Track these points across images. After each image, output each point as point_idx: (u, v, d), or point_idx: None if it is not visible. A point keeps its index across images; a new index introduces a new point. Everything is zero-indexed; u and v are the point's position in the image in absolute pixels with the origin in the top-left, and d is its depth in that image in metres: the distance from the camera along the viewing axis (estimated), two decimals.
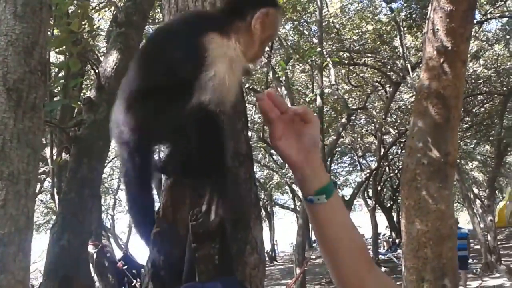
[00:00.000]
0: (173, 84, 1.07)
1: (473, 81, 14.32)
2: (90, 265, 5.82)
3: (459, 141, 13.52)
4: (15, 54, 1.68)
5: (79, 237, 3.20)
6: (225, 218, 1.11)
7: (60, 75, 6.83)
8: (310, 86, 15.72)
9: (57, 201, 5.62)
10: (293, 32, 13.94)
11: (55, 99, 4.90)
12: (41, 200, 16.64)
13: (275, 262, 23.12)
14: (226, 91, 1.07)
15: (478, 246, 14.73)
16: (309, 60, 11.33)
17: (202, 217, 1.07)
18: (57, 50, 3.49)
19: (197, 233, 1.06)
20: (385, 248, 19.72)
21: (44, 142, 4.73)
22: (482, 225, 14.17)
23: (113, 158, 13.63)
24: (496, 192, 23.89)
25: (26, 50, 1.71)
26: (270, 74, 11.36)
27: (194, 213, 1.08)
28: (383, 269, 14.86)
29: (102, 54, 8.16)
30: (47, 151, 5.11)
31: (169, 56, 1.10)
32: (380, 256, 17.01)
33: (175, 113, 1.05)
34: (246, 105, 1.59)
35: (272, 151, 20.12)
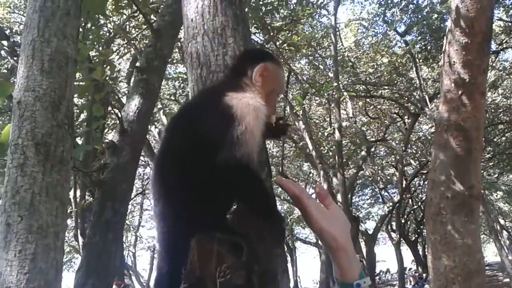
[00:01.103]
0: (204, 142, 1.11)
1: (492, 110, 14.17)
2: None
3: (482, 172, 13.28)
4: (43, 109, 1.74)
5: (103, 281, 3.20)
6: (252, 272, 1.10)
7: (82, 116, 7.00)
8: (328, 119, 15.74)
9: (80, 242, 5.66)
10: (309, 67, 14.07)
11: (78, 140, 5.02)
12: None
13: None
14: (255, 142, 1.12)
15: (508, 280, 14.18)
16: (325, 94, 11.39)
17: (229, 273, 1.07)
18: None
19: None
20: (412, 283, 19.12)
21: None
22: (510, 257, 13.69)
23: (135, 196, 13.73)
24: None
25: (53, 104, 1.77)
26: (288, 108, 11.44)
27: (221, 269, 1.08)
28: None
29: (123, 94, 8.35)
30: (71, 193, 5.19)
31: (197, 122, 1.16)
32: None
33: (204, 166, 1.09)
34: None
35: None
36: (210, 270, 1.14)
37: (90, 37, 4.64)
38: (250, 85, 1.24)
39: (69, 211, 5.66)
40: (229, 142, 1.08)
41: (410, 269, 23.73)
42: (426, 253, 4.09)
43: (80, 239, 5.59)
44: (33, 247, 1.50)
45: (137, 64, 5.16)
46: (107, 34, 6.33)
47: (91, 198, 4.68)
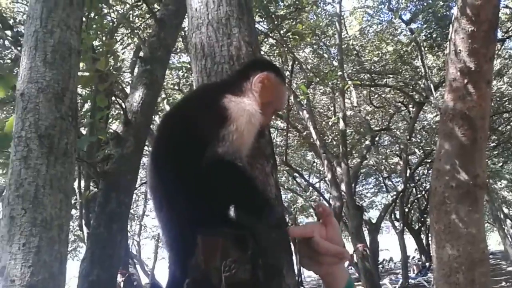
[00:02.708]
0: (196, 141, 1.12)
1: (498, 99, 14.09)
2: None
3: (486, 160, 13.21)
4: (46, 101, 1.72)
5: (108, 272, 3.21)
6: (257, 267, 1.10)
7: (86, 106, 6.99)
8: (332, 108, 15.70)
9: (85, 232, 5.69)
10: (313, 55, 13.99)
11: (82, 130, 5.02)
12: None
13: None
14: (244, 142, 1.14)
15: (511, 268, 14.22)
16: (329, 83, 11.34)
17: (234, 268, 1.06)
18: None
19: (231, 284, 1.06)
20: (415, 271, 19.20)
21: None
22: None
23: (139, 186, 13.77)
24: None
25: (56, 96, 1.75)
26: (292, 98, 11.40)
27: (226, 264, 1.07)
28: None
29: (127, 84, 8.33)
30: (75, 183, 5.19)
31: (193, 120, 1.17)
32: (410, 280, 16.54)
33: (198, 167, 1.08)
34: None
35: (296, 174, 20.07)
36: (215, 264, 1.13)
37: (94, 26, 4.62)
38: (249, 91, 1.24)
39: (73, 201, 5.68)
40: (216, 139, 1.10)
41: (413, 257, 23.82)
42: (430, 242, 4.10)
43: (85, 229, 5.61)
44: (37, 240, 1.50)
45: (141, 54, 5.14)
46: (111, 23, 6.29)
47: (96, 189, 4.69)
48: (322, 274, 1.14)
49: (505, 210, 19.69)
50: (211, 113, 1.15)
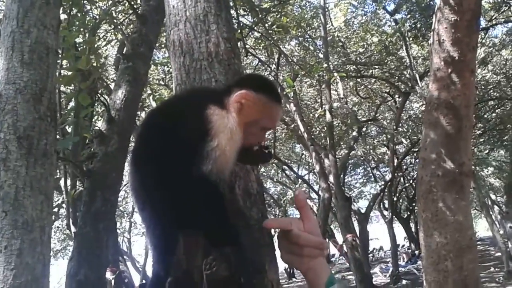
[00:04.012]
0: (178, 149, 1.13)
1: (482, 87, 14.22)
2: None
3: (472, 148, 13.36)
4: (24, 102, 1.70)
5: (96, 271, 3.20)
6: (239, 263, 1.10)
7: (70, 104, 6.92)
8: (319, 100, 15.73)
9: (73, 231, 5.66)
10: (299, 48, 13.98)
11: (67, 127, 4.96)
12: (57, 227, 16.68)
13: (294, 279, 22.82)
14: (226, 161, 1.13)
15: (499, 254, 14.42)
16: (316, 75, 11.35)
17: (216, 265, 1.07)
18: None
19: (212, 281, 1.06)
20: (405, 260, 19.42)
21: (58, 174, 4.77)
22: (501, 232, 13.89)
23: (128, 182, 13.69)
24: None
25: (35, 97, 1.74)
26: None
27: (207, 261, 1.08)
28: (404, 282, 14.62)
29: (111, 81, 8.26)
30: (61, 182, 5.15)
31: (175, 125, 1.16)
32: (400, 268, 16.71)
33: (178, 177, 1.11)
34: None
35: (285, 167, 20.12)
36: (197, 263, 1.14)
37: (76, 24, 4.55)
38: (229, 107, 1.20)
39: (60, 200, 5.64)
40: (199, 154, 1.10)
41: (403, 246, 24.04)
42: (418, 230, 4.13)
43: (73, 228, 5.58)
44: (19, 243, 1.49)
45: (124, 50, 5.09)
46: (94, 20, 6.21)
47: (82, 187, 4.66)
48: (304, 269, 1.14)
49: (493, 197, 19.90)
50: (194, 122, 1.15)
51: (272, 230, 1.46)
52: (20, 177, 1.57)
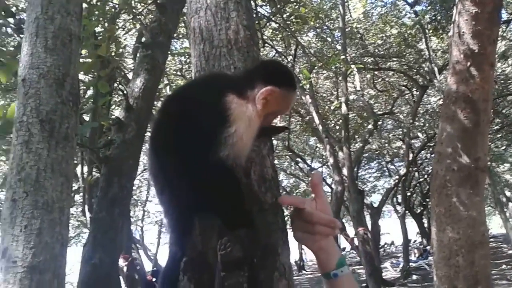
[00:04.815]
0: (196, 135, 1.15)
1: (502, 81, 13.98)
2: (121, 278, 5.92)
3: (489, 143, 13.19)
4: (47, 86, 1.74)
5: (110, 255, 3.26)
6: (253, 245, 1.13)
7: (88, 92, 7.00)
8: (335, 93, 15.65)
9: (88, 217, 5.76)
10: (316, 39, 13.90)
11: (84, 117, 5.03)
12: (72, 214, 16.92)
13: (304, 272, 22.89)
14: (243, 147, 1.17)
15: None
16: (333, 67, 11.30)
17: (230, 246, 1.09)
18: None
19: (226, 262, 1.09)
20: (416, 255, 19.31)
21: (75, 160, 4.86)
22: None
23: (142, 172, 13.84)
24: None
25: (57, 81, 1.77)
26: None
27: (222, 242, 1.10)
28: (414, 277, 14.57)
29: (129, 70, 8.34)
30: (78, 169, 5.24)
31: (194, 110, 1.19)
32: (411, 263, 16.65)
33: (196, 161, 1.14)
34: None
35: (298, 159, 20.11)
36: (212, 244, 1.17)
37: (96, 13, 4.61)
38: (252, 101, 1.23)
39: (77, 187, 5.74)
40: (218, 139, 1.13)
41: (415, 241, 23.92)
42: (431, 225, 4.12)
43: (88, 214, 5.69)
44: (39, 222, 1.53)
45: (143, 39, 5.13)
46: (113, 9, 6.26)
47: (98, 174, 4.74)
48: (316, 249, 1.18)
49: (508, 194, 19.63)
50: (213, 109, 1.17)
51: (286, 213, 1.50)
52: (42, 159, 1.62)
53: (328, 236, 1.18)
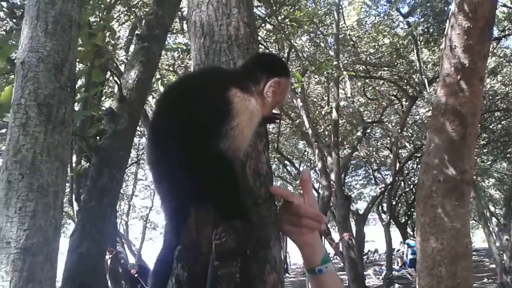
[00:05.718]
0: (196, 126, 1.17)
1: (490, 97, 14.19)
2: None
3: (475, 158, 13.35)
4: (46, 71, 1.74)
5: (97, 245, 3.25)
6: (247, 237, 1.15)
7: (79, 81, 6.96)
8: (326, 98, 15.74)
9: (75, 207, 5.73)
10: (310, 44, 13.98)
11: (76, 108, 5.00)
12: None
13: (287, 275, 22.90)
14: (243, 141, 1.21)
15: (494, 266, 14.45)
16: (325, 72, 11.37)
17: (225, 236, 1.11)
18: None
19: (220, 252, 1.11)
20: (399, 264, 19.49)
21: None
22: (498, 244, 13.92)
23: (129, 166, 13.76)
24: None
25: (56, 66, 1.77)
26: None
27: (217, 232, 1.12)
28: (396, 286, 14.68)
29: (121, 62, 8.31)
30: None
31: (195, 102, 1.20)
32: (394, 272, 16.79)
33: (195, 152, 1.16)
34: None
35: (286, 162, 20.17)
36: (206, 233, 1.19)
37: (91, 2, 4.59)
38: (257, 93, 1.27)
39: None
40: (219, 132, 1.15)
41: (398, 250, 24.11)
42: (415, 234, 4.17)
43: (75, 205, 5.65)
44: (33, 205, 1.53)
45: (137, 32, 5.12)
46: (108, 0, 6.25)
47: (87, 164, 4.72)
48: (302, 243, 1.23)
49: (492, 208, 19.89)
50: (215, 101, 1.19)
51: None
52: (38, 142, 1.62)
53: (314, 230, 1.23)
